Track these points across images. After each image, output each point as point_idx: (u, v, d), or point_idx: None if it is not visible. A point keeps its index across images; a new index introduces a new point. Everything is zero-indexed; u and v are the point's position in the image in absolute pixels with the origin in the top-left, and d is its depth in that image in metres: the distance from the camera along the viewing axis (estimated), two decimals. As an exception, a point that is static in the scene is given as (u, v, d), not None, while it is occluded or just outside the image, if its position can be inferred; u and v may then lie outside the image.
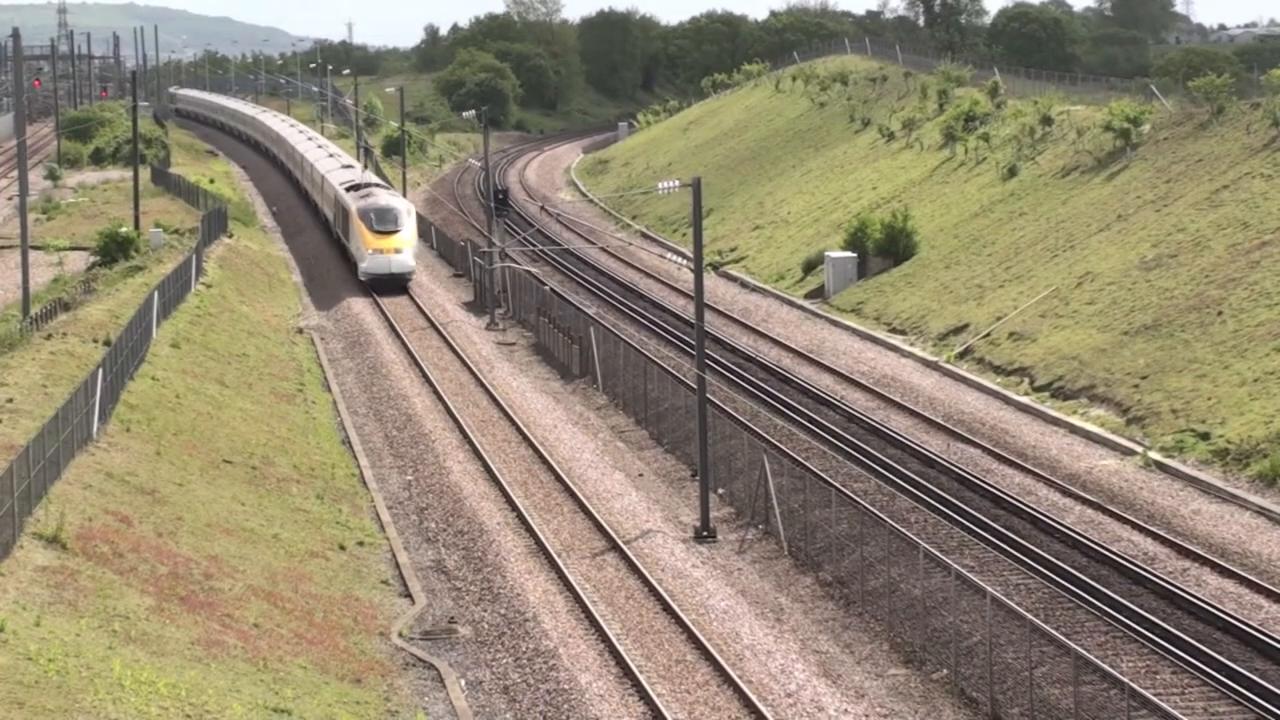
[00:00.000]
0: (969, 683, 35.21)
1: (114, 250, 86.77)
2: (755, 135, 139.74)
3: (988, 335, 67.88)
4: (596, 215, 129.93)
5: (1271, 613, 38.70)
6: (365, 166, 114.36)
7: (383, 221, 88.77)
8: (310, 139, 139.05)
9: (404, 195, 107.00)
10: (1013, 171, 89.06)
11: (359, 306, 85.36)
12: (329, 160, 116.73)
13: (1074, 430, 55.94)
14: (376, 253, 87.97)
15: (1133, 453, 52.41)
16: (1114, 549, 42.99)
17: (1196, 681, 34.80)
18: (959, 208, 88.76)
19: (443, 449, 55.24)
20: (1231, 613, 38.19)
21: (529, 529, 46.24)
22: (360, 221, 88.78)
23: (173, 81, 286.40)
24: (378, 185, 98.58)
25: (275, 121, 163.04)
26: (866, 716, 33.87)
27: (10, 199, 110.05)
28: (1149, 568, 41.54)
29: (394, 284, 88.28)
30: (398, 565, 43.54)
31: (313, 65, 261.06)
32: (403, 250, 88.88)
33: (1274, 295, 58.60)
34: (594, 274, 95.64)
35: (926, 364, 67.90)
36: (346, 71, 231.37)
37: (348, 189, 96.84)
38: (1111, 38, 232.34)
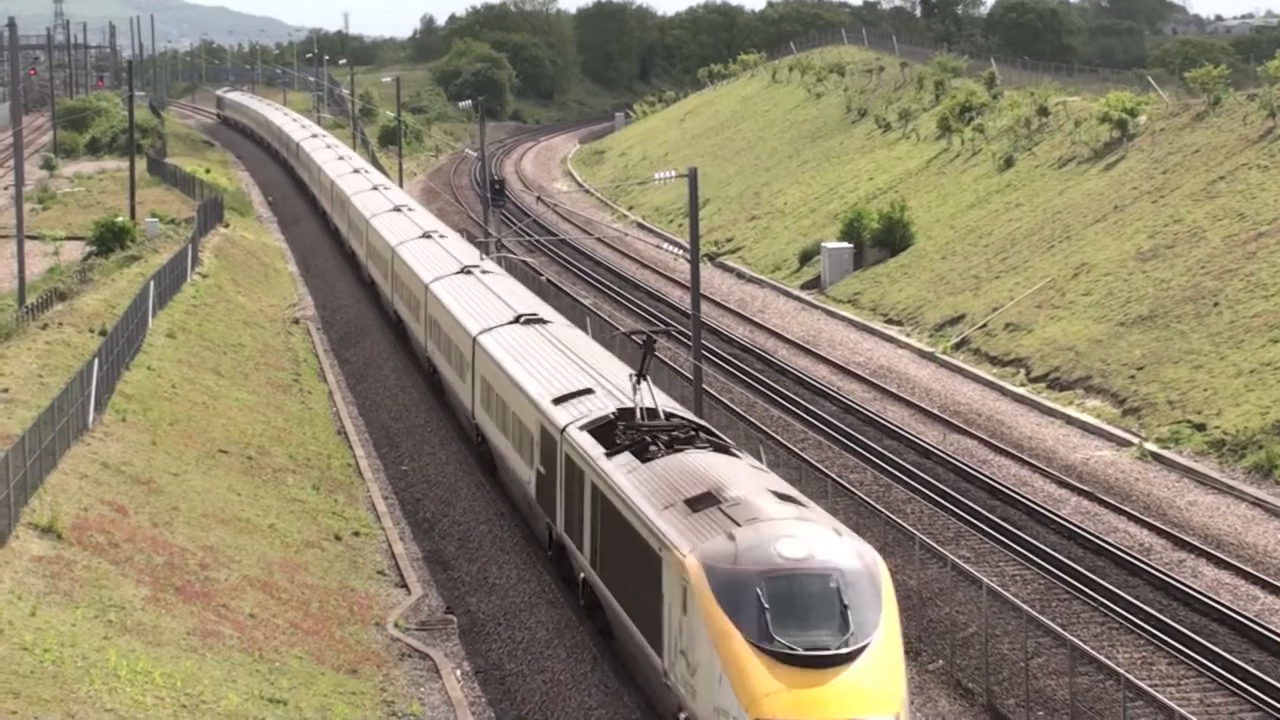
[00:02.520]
0: (965, 673, 35.20)
1: (110, 240, 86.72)
2: (752, 126, 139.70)
3: (984, 326, 67.86)
4: (593, 206, 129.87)
5: (1267, 603, 38.72)
6: (641, 368, 36.40)
7: (807, 620, 26.34)
8: (416, 220, 75.07)
9: (405, 193, 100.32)
10: (1009, 162, 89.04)
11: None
12: (493, 304, 52.70)
13: (1070, 421, 55.95)
14: None
15: (1129, 444, 52.43)
16: (1110, 540, 43.00)
17: (1193, 672, 34.81)
18: (955, 199, 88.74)
19: (439, 439, 55.18)
20: (1228, 604, 38.20)
21: (525, 519, 46.15)
22: (730, 630, 26.43)
23: (223, 80, 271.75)
24: (704, 432, 35.20)
25: (360, 190, 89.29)
26: (862, 707, 33.72)
27: (6, 188, 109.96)
28: (1145, 559, 41.55)
29: None
30: (394, 555, 43.49)
31: (309, 55, 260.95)
32: None
33: (1270, 286, 58.59)
34: (590, 264, 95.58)
35: (923, 355, 67.89)
36: (343, 61, 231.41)
37: (616, 455, 33.81)
38: (1108, 29, 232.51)
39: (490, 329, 48.80)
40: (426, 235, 69.19)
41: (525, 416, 41.22)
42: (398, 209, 79.03)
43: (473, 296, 54.62)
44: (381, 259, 72.33)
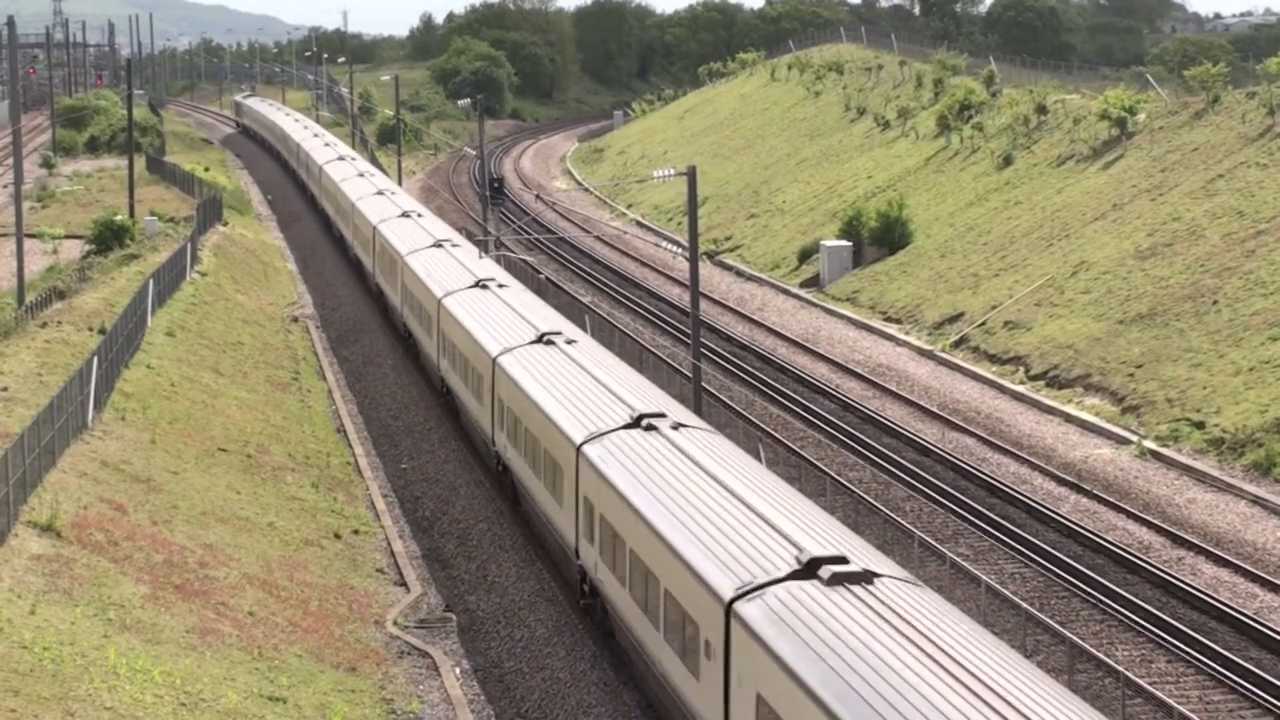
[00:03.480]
0: (964, 671, 35.17)
1: (109, 238, 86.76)
2: (751, 124, 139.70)
3: (983, 324, 67.87)
4: (592, 204, 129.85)
5: (1266, 601, 38.72)
6: None
7: None
8: (508, 303, 52.69)
9: (399, 183, 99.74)
10: (1008, 160, 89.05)
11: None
12: (697, 481, 30.33)
13: (1069, 419, 55.94)
14: None
15: (1128, 442, 52.42)
16: (1109, 538, 43.00)
17: (1191, 670, 34.82)
18: (954, 197, 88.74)
19: (438, 437, 55.20)
20: (1226, 601, 38.21)
21: (524, 517, 46.15)
22: None
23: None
24: None
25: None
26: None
27: (5, 187, 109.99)
28: (1144, 556, 41.56)
29: None
30: (393, 553, 43.50)
31: (308, 53, 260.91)
32: None
33: (1269, 284, 58.59)
34: (589, 262, 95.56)
35: (922, 353, 67.88)
36: (342, 60, 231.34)
37: None
38: (1107, 27, 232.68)
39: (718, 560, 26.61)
40: (533, 330, 47.68)
41: None
42: (483, 283, 56.19)
43: (658, 467, 32.20)
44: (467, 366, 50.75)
